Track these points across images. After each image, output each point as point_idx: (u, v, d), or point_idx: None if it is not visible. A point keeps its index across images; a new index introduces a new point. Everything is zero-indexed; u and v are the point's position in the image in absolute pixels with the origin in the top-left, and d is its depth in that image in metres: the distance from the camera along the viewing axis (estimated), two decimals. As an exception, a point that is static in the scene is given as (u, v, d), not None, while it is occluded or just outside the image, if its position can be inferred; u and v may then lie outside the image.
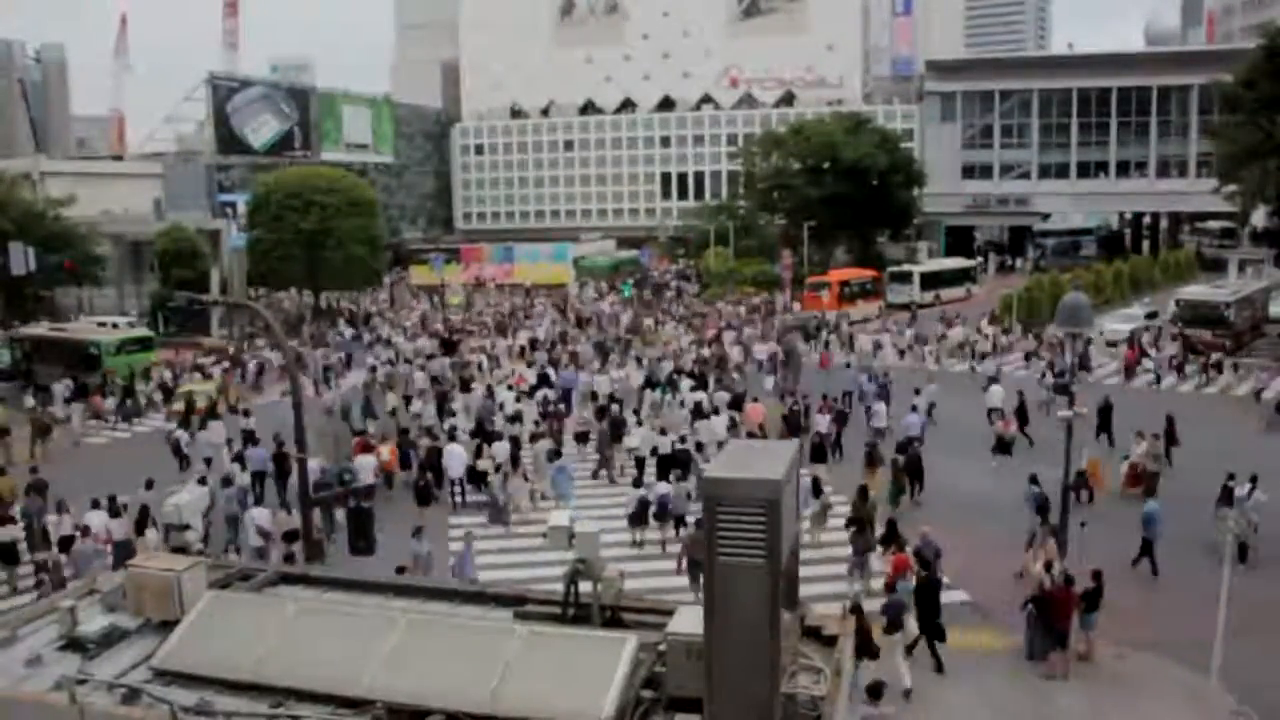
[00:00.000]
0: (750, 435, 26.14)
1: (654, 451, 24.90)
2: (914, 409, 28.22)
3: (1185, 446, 25.17)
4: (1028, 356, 39.96)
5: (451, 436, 26.09)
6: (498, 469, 23.92)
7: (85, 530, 19.26)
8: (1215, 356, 37.40)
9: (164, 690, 6.98)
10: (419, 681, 6.75)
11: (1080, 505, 20.95)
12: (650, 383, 32.99)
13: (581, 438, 27.95)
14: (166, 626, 7.72)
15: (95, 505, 20.37)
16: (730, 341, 41.93)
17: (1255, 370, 36.12)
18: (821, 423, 27.06)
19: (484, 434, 26.95)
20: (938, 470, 24.02)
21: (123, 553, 18.24)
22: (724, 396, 30.08)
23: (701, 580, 17.48)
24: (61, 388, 35.39)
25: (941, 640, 15.35)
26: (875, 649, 13.83)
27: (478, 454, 24.97)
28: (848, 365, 36.83)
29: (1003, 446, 26.21)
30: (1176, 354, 38.86)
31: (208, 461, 25.26)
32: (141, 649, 7.61)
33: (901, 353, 42.18)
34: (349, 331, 51.93)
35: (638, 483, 22.41)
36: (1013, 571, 18.66)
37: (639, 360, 38.20)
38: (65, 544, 19.54)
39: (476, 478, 24.52)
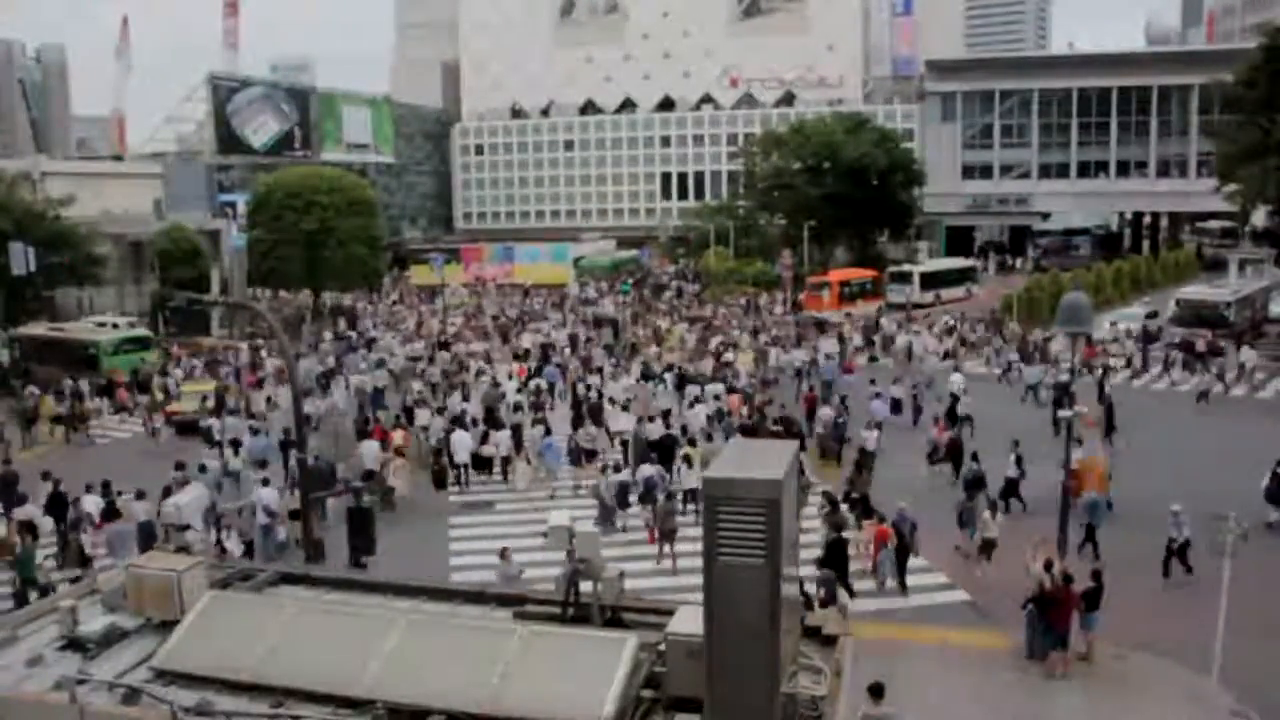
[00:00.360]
0: (743, 429, 26.66)
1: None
2: (878, 395, 29.39)
3: (1180, 447, 25.19)
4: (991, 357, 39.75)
5: (461, 424, 27.46)
6: (504, 459, 25.91)
7: (118, 512, 20.43)
8: (1171, 354, 37.87)
9: (164, 690, 6.99)
10: (419, 681, 6.75)
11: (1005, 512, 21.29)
12: (645, 376, 34.48)
13: (590, 455, 26.36)
14: (166, 626, 7.72)
15: (89, 490, 21.62)
16: (765, 343, 40.71)
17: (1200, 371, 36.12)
18: (870, 439, 25.20)
19: (490, 421, 28.39)
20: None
21: (146, 533, 19.52)
22: (713, 388, 30.93)
23: (671, 547, 19.70)
24: (88, 385, 36.27)
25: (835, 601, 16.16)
26: None
27: (483, 440, 26.57)
28: (850, 355, 36.95)
29: (936, 454, 24.79)
30: (1131, 351, 39.15)
31: (234, 445, 26.66)
32: (141, 649, 7.62)
33: (945, 355, 40.28)
34: (332, 336, 49.93)
35: (618, 467, 23.55)
36: (963, 553, 19.93)
37: (644, 365, 38.10)
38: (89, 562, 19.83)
39: (481, 464, 26.23)
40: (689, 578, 18.13)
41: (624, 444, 26.51)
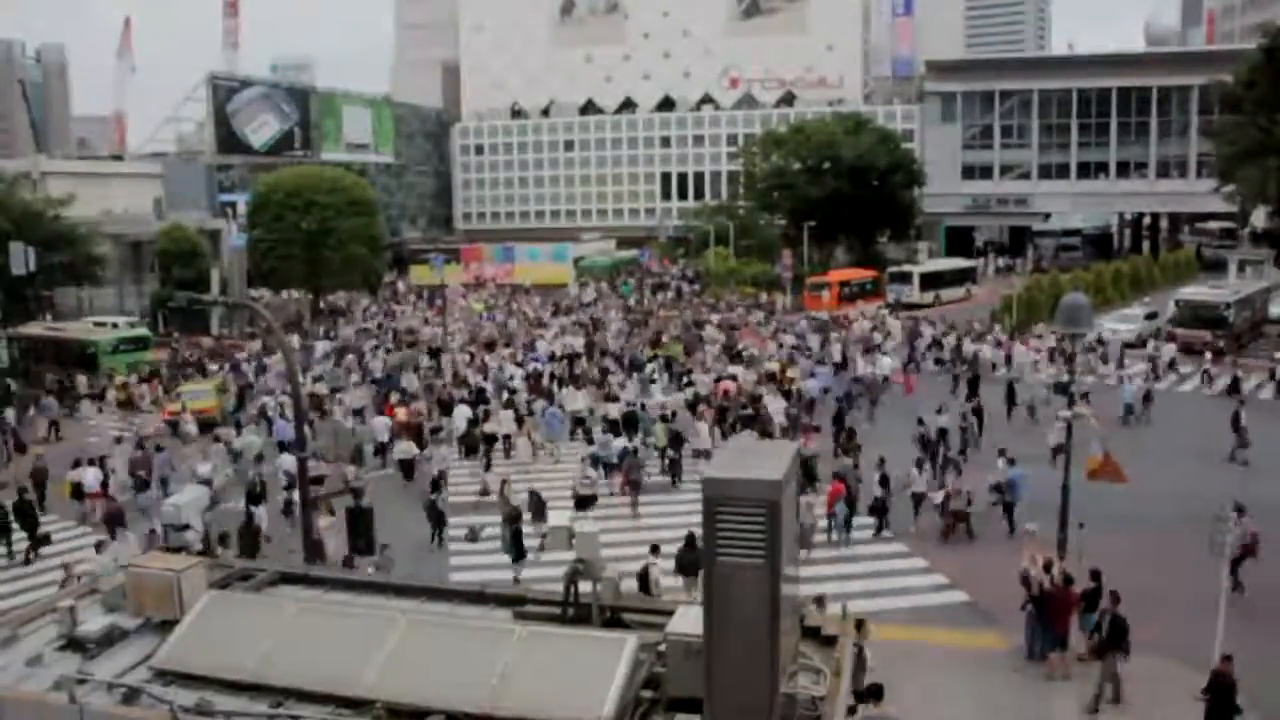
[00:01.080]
0: (722, 409, 29.09)
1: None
2: (813, 374, 32.56)
3: (1181, 447, 25.15)
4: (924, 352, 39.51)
5: (467, 402, 30.00)
6: (506, 436, 27.68)
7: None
8: (1102, 351, 38.61)
9: (164, 690, 6.97)
10: (419, 681, 6.74)
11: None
12: (634, 366, 36.99)
13: (584, 502, 22.06)
14: (166, 626, 7.71)
15: (89, 463, 23.67)
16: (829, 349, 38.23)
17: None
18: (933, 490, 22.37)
19: (481, 399, 30.98)
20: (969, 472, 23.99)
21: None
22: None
23: (636, 495, 22.70)
24: (135, 377, 37.86)
25: None
26: None
27: (485, 418, 28.46)
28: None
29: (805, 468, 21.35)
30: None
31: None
32: (141, 649, 7.60)
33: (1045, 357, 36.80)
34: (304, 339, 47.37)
35: (591, 441, 26.29)
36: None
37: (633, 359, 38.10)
38: None
39: (486, 441, 28.01)
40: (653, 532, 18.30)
41: (578, 421, 29.48)
